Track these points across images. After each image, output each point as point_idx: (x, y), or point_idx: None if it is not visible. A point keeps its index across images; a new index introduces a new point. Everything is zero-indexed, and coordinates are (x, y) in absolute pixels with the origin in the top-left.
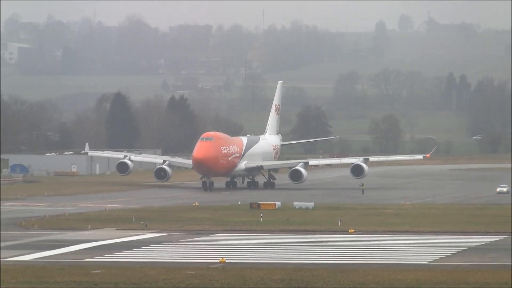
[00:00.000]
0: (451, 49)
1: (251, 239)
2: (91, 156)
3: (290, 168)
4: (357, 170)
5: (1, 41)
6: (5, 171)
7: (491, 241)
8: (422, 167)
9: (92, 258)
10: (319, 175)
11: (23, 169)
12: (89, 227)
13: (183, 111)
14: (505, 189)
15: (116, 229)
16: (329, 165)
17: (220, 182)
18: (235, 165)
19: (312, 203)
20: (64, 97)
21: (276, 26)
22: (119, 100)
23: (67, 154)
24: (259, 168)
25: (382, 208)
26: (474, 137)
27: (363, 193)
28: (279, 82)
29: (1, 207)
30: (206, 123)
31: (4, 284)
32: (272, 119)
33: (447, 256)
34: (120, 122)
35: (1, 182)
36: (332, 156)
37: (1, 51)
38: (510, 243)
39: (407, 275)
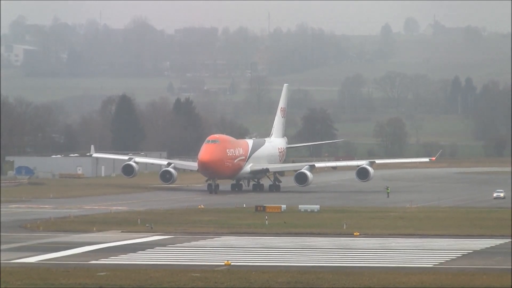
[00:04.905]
0: (457, 52)
1: (256, 241)
2: (97, 158)
3: (295, 171)
4: (362, 173)
5: (7, 43)
6: (10, 173)
7: (496, 245)
8: (428, 170)
9: (97, 260)
10: (325, 178)
11: (29, 171)
12: (94, 229)
13: (188, 114)
14: (501, 194)
15: (121, 232)
16: (334, 168)
17: (225, 184)
18: (240, 167)
19: (318, 206)
20: (69, 99)
21: (281, 29)
22: (125, 103)
23: (72, 156)
24: (265, 171)
25: (387, 211)
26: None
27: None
28: (285, 85)
29: (7, 209)
30: (212, 126)
31: (9, 285)
32: (278, 121)
33: (452, 259)
34: (126, 125)
35: (7, 184)
36: (337, 159)
37: (7, 53)
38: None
39: (412, 278)
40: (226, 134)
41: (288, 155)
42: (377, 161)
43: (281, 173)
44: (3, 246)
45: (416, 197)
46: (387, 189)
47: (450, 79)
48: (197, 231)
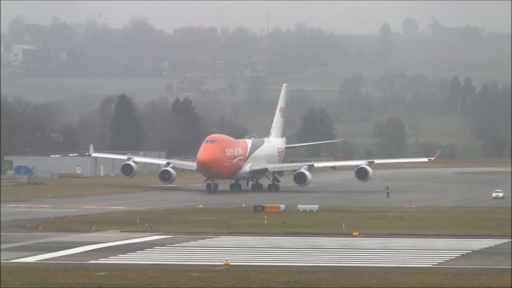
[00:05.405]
0: (456, 53)
1: (255, 241)
2: (96, 158)
3: (294, 170)
4: (361, 173)
5: (6, 43)
6: (9, 173)
7: (495, 245)
8: (427, 170)
9: (96, 260)
10: (324, 178)
11: (28, 170)
12: (93, 229)
13: (187, 114)
14: (500, 194)
15: (120, 231)
16: (333, 168)
17: (224, 184)
18: (239, 167)
19: (316, 206)
20: (68, 99)
21: (281, 29)
22: (124, 102)
23: (71, 156)
24: (264, 171)
25: (386, 211)
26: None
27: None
28: (284, 85)
29: (6, 209)
30: (211, 126)
31: (8, 285)
32: (277, 121)
33: (451, 259)
34: (125, 124)
35: (6, 183)
36: (336, 159)
37: (6, 53)
38: (511, 246)
39: (411, 278)
40: (225, 134)
41: (287, 155)
42: (376, 161)
43: (280, 173)
44: (2, 246)
45: (415, 197)
46: (387, 189)
47: (449, 79)
48: (196, 231)
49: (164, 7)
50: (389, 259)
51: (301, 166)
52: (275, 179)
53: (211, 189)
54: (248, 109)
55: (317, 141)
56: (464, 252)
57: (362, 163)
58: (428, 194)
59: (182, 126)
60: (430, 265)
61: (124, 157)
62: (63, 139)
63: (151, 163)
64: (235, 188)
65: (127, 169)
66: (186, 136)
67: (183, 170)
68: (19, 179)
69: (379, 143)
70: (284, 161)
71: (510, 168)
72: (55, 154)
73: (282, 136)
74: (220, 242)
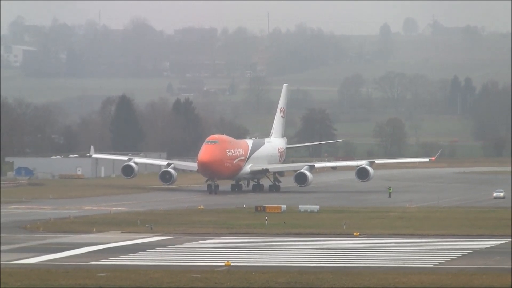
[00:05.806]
0: (456, 52)
1: (256, 242)
2: (96, 159)
3: (295, 171)
4: (362, 173)
5: (7, 44)
6: (10, 174)
7: (496, 244)
8: (427, 170)
9: (97, 261)
10: (324, 178)
11: (28, 172)
12: (94, 230)
13: (188, 114)
14: (501, 194)
15: (121, 232)
16: (334, 168)
17: (225, 185)
18: (240, 168)
19: (317, 206)
20: (69, 100)
21: (281, 29)
22: (124, 103)
23: (72, 157)
24: (265, 171)
25: (387, 211)
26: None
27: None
28: (284, 85)
29: (6, 210)
30: (211, 126)
31: (8, 286)
32: (277, 122)
33: (452, 259)
34: (125, 125)
35: (7, 185)
36: (337, 159)
37: (7, 54)
38: (511, 246)
39: (411, 278)
40: (225, 135)
41: (287, 155)
42: (377, 161)
43: (281, 173)
44: (3, 247)
45: (416, 197)
46: (389, 189)
47: (449, 79)
48: (197, 231)
49: (164, 7)
50: (390, 259)
51: (302, 167)
52: (276, 179)
53: (212, 190)
54: (248, 109)
55: (317, 141)
56: (464, 252)
57: (362, 163)
58: (428, 194)
59: (183, 127)
60: (431, 265)
61: (125, 158)
62: (63, 140)
63: (151, 164)
64: (236, 188)
65: (127, 170)
66: (186, 136)
67: (183, 170)
68: (19, 180)
69: (380, 143)
70: (284, 162)
71: (510, 168)
72: (55, 155)
73: (282, 137)
74: (221, 242)
